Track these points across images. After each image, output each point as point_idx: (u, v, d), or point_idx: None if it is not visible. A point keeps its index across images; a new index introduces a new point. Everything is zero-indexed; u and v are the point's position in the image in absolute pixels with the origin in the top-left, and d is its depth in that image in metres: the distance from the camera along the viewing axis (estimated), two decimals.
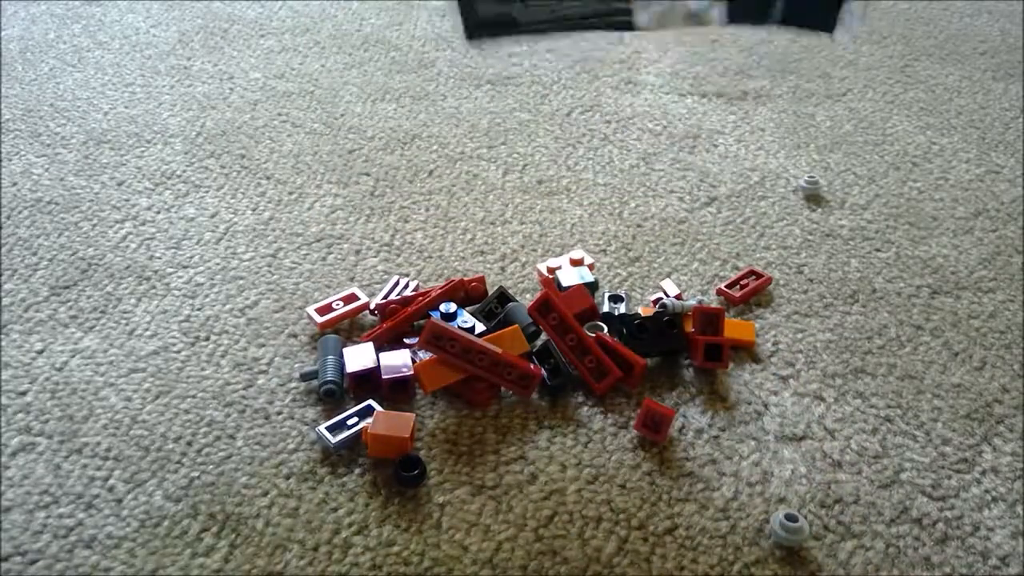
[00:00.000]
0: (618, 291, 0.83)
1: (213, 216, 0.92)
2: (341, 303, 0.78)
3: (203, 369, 0.73)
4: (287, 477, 0.65)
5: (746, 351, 0.77)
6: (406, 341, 0.75)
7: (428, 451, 0.67)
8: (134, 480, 0.64)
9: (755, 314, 0.81)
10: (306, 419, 0.69)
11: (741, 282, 0.84)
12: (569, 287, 0.78)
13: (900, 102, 1.19)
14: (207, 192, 0.95)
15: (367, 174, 1.00)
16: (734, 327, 0.77)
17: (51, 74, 1.17)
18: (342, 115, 1.11)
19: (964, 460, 0.68)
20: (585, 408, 0.71)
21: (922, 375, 0.76)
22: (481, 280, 0.80)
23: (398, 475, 0.63)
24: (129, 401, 0.70)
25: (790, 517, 0.61)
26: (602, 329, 0.76)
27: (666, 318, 0.74)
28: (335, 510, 0.63)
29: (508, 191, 0.98)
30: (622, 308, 0.79)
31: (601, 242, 0.90)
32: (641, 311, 0.78)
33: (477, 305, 0.79)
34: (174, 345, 0.76)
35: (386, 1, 1.43)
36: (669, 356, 0.75)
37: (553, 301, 0.73)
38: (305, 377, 0.72)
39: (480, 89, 1.18)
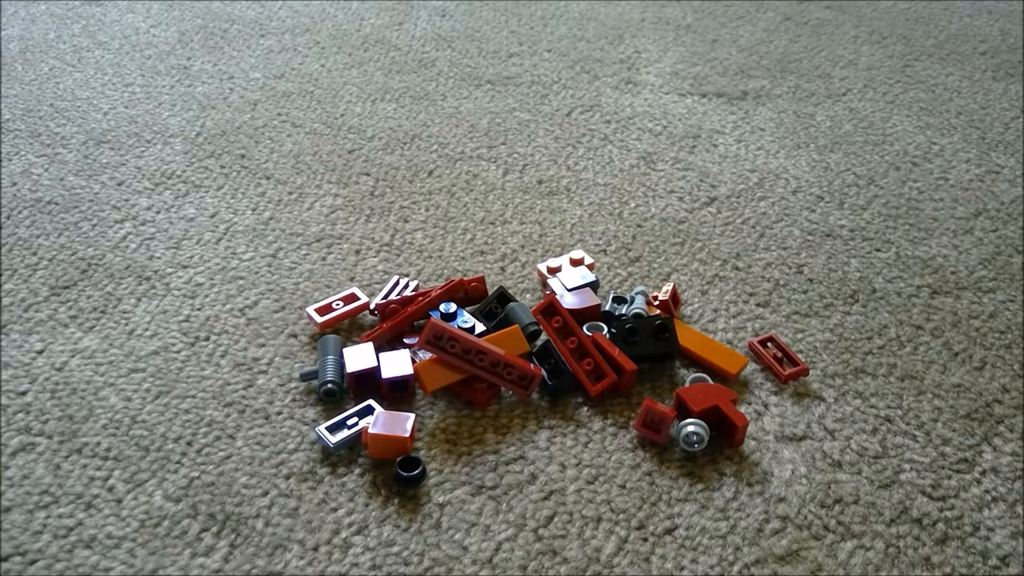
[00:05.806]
0: (623, 293, 0.83)
1: (213, 216, 0.92)
2: (341, 303, 0.78)
3: (203, 369, 0.73)
4: (287, 477, 0.65)
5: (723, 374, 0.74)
6: (406, 341, 0.75)
7: (428, 451, 0.67)
8: (134, 480, 0.64)
9: (755, 314, 0.81)
10: (306, 419, 0.69)
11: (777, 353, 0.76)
12: (576, 288, 0.79)
13: (900, 102, 1.19)
14: (207, 192, 0.95)
15: (367, 174, 1.00)
16: (721, 353, 0.75)
17: (51, 74, 1.17)
18: (342, 115, 1.11)
19: (964, 460, 0.68)
20: (585, 408, 0.71)
21: (922, 375, 0.76)
22: (481, 280, 0.80)
23: (398, 475, 0.63)
24: (129, 401, 0.70)
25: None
26: (601, 329, 0.76)
27: (658, 322, 0.74)
28: (335, 510, 0.63)
29: (508, 191, 0.98)
30: (623, 309, 0.79)
31: (601, 242, 0.90)
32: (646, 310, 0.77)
33: (477, 305, 0.79)
34: (174, 345, 0.76)
35: (386, 1, 1.43)
36: (660, 361, 0.75)
37: (558, 305, 0.73)
38: (305, 377, 0.72)
39: (480, 89, 1.18)
